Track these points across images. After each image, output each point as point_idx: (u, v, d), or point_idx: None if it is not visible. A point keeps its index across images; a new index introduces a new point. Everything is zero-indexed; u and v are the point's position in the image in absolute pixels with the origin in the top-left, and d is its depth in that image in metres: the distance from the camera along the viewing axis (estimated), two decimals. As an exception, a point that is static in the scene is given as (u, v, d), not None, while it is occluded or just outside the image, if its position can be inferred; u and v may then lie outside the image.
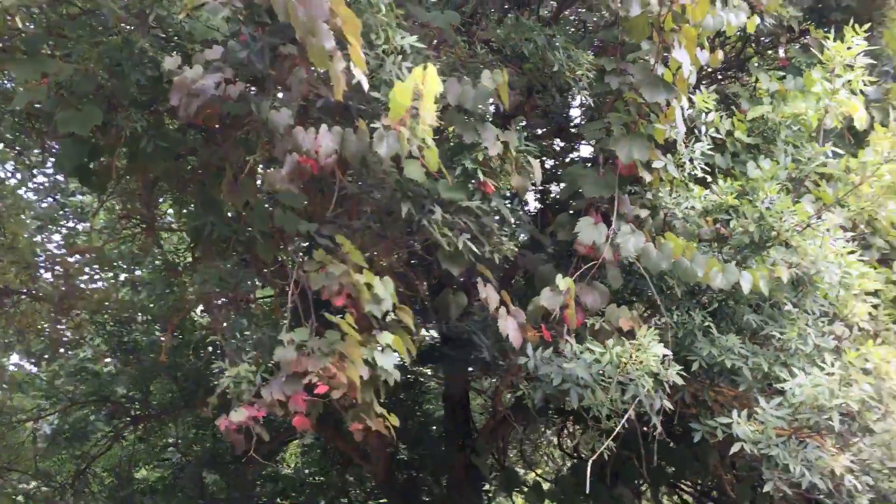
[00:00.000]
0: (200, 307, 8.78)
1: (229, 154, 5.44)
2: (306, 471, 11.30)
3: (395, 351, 4.87)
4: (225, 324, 6.89)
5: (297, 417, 4.74)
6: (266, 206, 5.61)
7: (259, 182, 5.73)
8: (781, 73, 6.28)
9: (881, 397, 4.62)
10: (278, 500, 11.59)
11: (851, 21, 5.73)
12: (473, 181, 5.06)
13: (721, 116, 5.82)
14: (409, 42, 4.67)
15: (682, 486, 9.93)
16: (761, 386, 4.99)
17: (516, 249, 5.39)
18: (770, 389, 4.97)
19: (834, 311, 5.29)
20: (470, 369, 7.70)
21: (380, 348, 4.77)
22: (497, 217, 5.23)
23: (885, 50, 6.56)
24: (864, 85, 5.70)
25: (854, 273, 5.17)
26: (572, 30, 7.58)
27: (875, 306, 5.53)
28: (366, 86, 3.96)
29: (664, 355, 4.62)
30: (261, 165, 5.94)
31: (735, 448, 4.55)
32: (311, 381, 4.58)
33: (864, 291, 5.30)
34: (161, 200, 8.10)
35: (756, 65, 6.71)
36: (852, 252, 5.31)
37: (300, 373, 4.65)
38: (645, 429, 5.60)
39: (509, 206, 5.83)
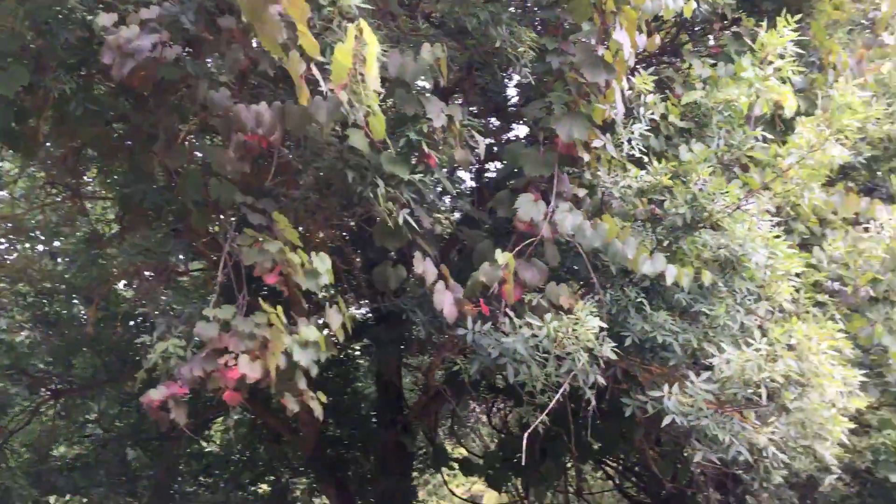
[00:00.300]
0: (125, 280, 8.56)
1: (162, 120, 5.29)
2: (233, 447, 11.14)
3: (317, 348, 4.80)
4: (153, 296, 6.73)
5: (227, 393, 4.67)
6: (200, 174, 5.48)
7: (195, 148, 5.59)
8: (713, 61, 6.43)
9: (803, 373, 4.81)
10: (202, 476, 11.41)
11: (784, 11, 5.90)
12: (416, 154, 5.04)
13: (656, 101, 5.93)
14: (355, 2, 4.60)
15: (607, 461, 10.19)
16: (690, 362, 5.14)
17: (456, 223, 5.40)
18: (698, 365, 5.12)
19: (760, 291, 5.47)
20: (403, 346, 7.70)
21: (302, 343, 4.70)
22: (438, 190, 5.23)
23: (813, 41, 6.79)
24: (793, 74, 5.88)
25: (780, 255, 5.35)
26: (512, 8, 7.60)
27: (797, 289, 5.75)
28: (323, 84, 3.91)
29: (600, 328, 4.71)
30: (192, 135, 5.80)
31: (666, 421, 4.68)
32: (227, 363, 4.52)
33: (788, 273, 5.50)
34: (87, 168, 7.81)
35: (690, 51, 6.86)
36: (777, 236, 5.50)
37: (221, 350, 4.58)
38: (573, 405, 5.71)
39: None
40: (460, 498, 15.81)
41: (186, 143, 5.60)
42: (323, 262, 4.80)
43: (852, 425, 5.41)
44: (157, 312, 5.80)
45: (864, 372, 5.86)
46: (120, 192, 6.76)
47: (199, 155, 6.16)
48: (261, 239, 4.73)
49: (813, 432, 5.07)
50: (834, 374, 4.91)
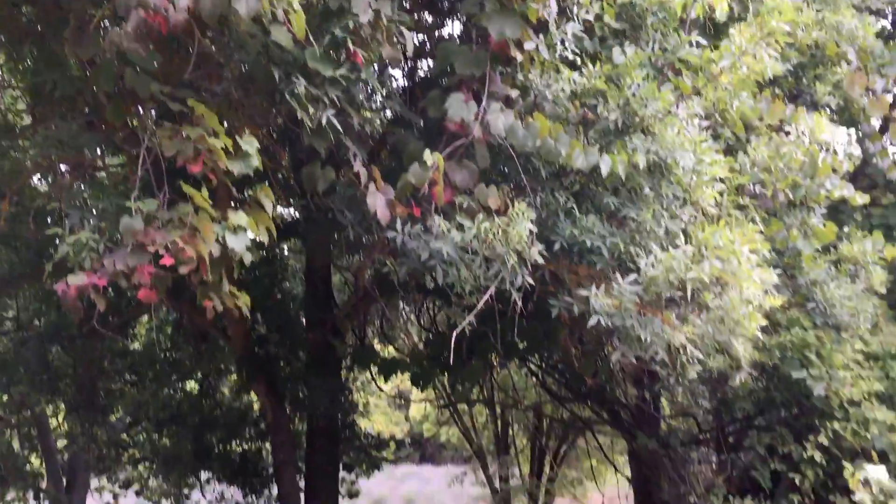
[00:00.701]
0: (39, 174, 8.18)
1: (72, 3, 4.94)
2: (159, 346, 11.04)
3: (248, 232, 4.68)
4: (69, 192, 6.47)
5: (142, 290, 4.54)
6: (115, 64, 5.17)
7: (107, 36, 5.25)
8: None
9: (725, 273, 4.96)
10: (128, 375, 11.33)
11: None
12: (342, 51, 4.85)
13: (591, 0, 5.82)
14: None
15: (531, 359, 10.49)
16: (616, 265, 5.24)
17: (385, 122, 5.27)
18: (623, 268, 5.23)
19: (685, 195, 5.56)
20: (332, 246, 7.65)
21: (232, 228, 4.57)
22: (367, 89, 5.07)
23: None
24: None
25: (706, 161, 5.43)
26: None
27: (721, 193, 5.88)
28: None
29: (529, 231, 4.73)
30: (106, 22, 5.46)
31: (592, 321, 4.79)
32: (158, 253, 4.38)
33: (713, 178, 5.60)
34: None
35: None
36: (704, 140, 5.56)
37: (146, 244, 4.43)
38: (500, 306, 5.80)
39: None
40: (388, 395, 16.20)
41: (100, 30, 5.27)
42: (251, 144, 4.62)
43: (765, 322, 5.66)
44: (70, 206, 5.56)
45: (778, 273, 6.09)
46: (30, 81, 6.37)
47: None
48: (180, 128, 4.51)
49: (729, 329, 5.28)
50: (753, 276, 5.08)
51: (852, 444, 6.94)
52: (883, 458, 6.52)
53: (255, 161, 4.61)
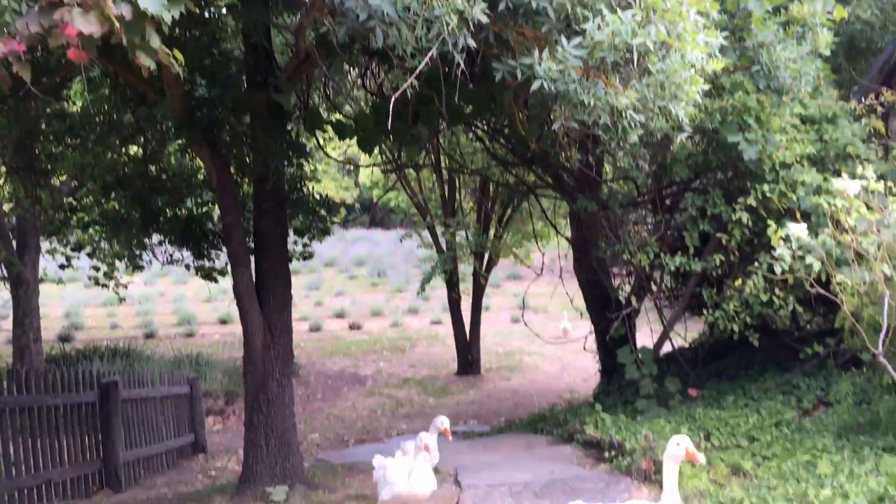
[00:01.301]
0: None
1: None
2: (97, 109, 10.69)
3: None
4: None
5: (71, 50, 4.31)
6: None
7: None
8: None
9: (670, 36, 4.89)
10: (68, 138, 11.08)
11: None
12: None
13: None
14: None
15: (477, 124, 10.51)
16: (563, 26, 5.10)
17: None
18: (570, 31, 5.10)
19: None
20: (270, 4, 7.26)
21: None
22: None
23: None
24: None
25: None
26: None
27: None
28: None
29: (472, -9, 4.54)
30: None
31: (535, 86, 4.74)
32: (63, 17, 4.10)
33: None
34: None
35: None
36: None
37: (57, 3, 4.13)
38: (445, 69, 5.69)
39: None
40: (336, 160, 16.25)
41: None
42: None
43: (707, 87, 5.69)
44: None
45: (726, 35, 6.01)
46: None
47: None
48: None
49: (671, 93, 5.30)
50: (697, 39, 5.03)
51: (778, 205, 7.28)
52: (806, 218, 6.86)
53: None
